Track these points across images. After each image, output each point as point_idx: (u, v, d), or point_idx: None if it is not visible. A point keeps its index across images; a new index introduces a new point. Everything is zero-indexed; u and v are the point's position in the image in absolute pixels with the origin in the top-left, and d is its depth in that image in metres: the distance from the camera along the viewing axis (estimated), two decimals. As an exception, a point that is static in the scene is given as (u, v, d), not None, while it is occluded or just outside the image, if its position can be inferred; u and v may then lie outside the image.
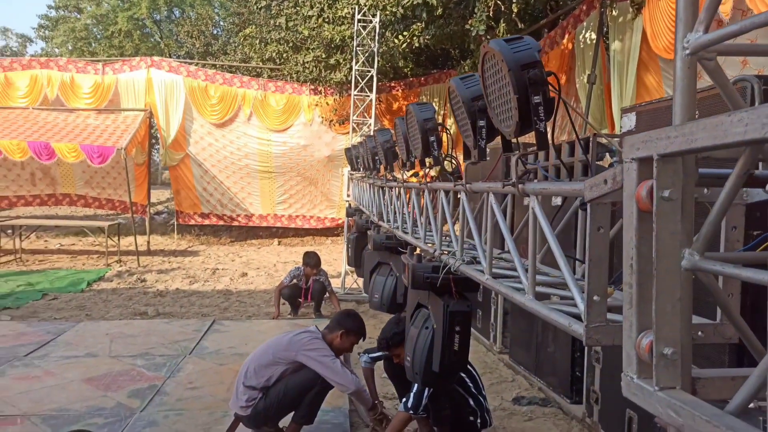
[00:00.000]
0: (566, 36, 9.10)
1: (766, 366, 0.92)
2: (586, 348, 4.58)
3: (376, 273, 4.86)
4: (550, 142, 1.82)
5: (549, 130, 1.86)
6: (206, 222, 16.00)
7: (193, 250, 14.90)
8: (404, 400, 3.81)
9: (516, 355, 6.06)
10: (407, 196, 4.31)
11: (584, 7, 8.76)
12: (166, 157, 15.29)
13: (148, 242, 14.29)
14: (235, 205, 16.01)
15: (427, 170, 3.52)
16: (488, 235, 2.24)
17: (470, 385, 4.00)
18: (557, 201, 4.60)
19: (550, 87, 1.74)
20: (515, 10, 8.66)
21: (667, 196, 1.09)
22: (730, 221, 1.46)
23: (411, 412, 3.77)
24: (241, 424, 4.00)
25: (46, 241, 15.10)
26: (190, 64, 16.12)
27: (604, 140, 4.85)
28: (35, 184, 15.34)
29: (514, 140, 2.02)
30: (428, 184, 3.30)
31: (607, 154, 4.80)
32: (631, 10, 7.52)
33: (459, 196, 3.07)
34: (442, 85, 14.70)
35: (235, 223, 16.16)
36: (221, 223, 16.07)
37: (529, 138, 1.89)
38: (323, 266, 8.58)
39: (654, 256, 1.11)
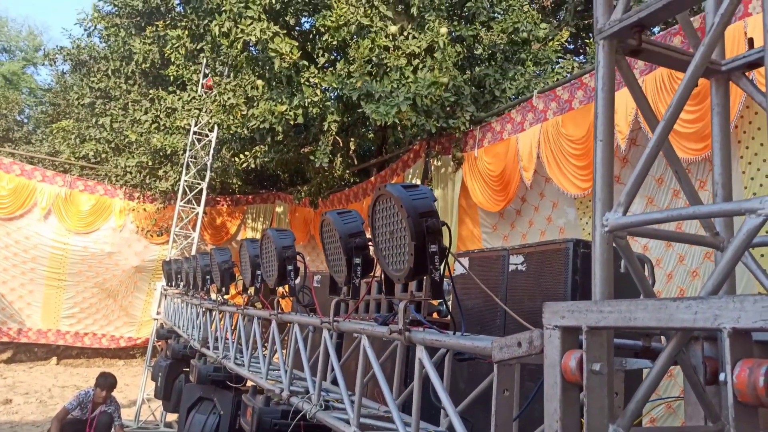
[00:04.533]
0: (395, 178, 9.84)
1: None
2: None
3: (195, 410, 4.30)
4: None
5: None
6: (-39, 336, 13.12)
7: (-61, 367, 12.05)
8: None
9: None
10: (232, 322, 3.99)
11: (411, 155, 9.65)
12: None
13: None
14: (8, 316, 13.48)
15: (274, 299, 3.32)
16: (358, 381, 2.10)
17: None
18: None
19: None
20: (352, 147, 9.17)
21: (597, 370, 1.10)
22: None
23: None
24: None
25: None
26: (-19, 147, 14.11)
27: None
28: None
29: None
30: (280, 315, 3.09)
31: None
32: (452, 163, 8.46)
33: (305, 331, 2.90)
34: (269, 205, 14.71)
35: (4, 339, 13.49)
36: (-17, 339, 13.31)
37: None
38: (115, 394, 7.39)
39: None
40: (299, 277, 3.03)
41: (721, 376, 0.85)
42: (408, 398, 2.11)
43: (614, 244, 1.22)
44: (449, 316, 3.76)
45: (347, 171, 10.87)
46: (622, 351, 1.34)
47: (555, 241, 3.80)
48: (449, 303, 4.31)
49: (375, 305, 4.45)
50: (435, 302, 4.55)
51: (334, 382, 2.81)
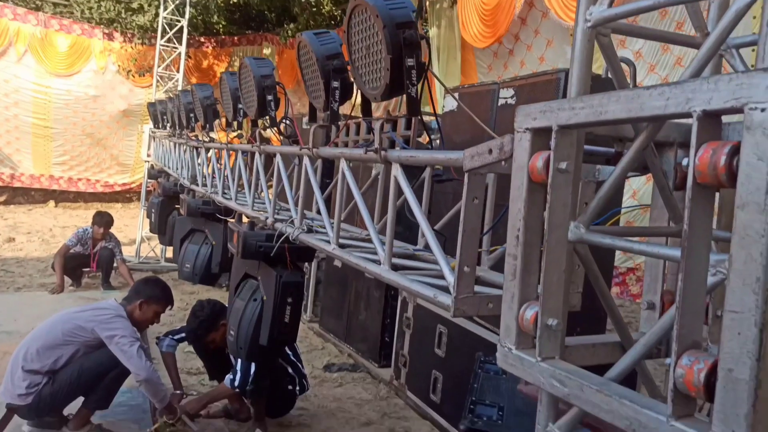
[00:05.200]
0: (386, 15, 9.31)
1: (648, 338, 0.97)
2: (397, 314, 4.77)
3: (188, 241, 4.47)
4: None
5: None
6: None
7: (-60, 209, 12.30)
8: (230, 377, 3.56)
9: (326, 324, 6.12)
10: (230, 158, 3.99)
11: (405, -10, 9.05)
12: None
13: None
14: (-2, 162, 13.48)
15: (256, 131, 3.26)
16: (337, 203, 2.13)
17: (289, 353, 3.92)
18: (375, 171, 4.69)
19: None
20: (340, -20, 8.55)
21: (563, 168, 1.09)
22: (582, 197, 1.55)
23: (238, 389, 3.55)
24: (15, 416, 3.36)
25: None
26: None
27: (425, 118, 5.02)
28: None
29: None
30: (262, 147, 3.06)
31: (425, 132, 4.98)
32: (447, -2, 7.96)
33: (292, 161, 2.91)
34: (257, 47, 14.08)
35: (-2, 183, 13.63)
36: (-23, 181, 13.43)
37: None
38: (114, 233, 7.64)
39: (546, 227, 1.11)
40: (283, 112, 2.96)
41: (684, 161, 0.83)
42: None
43: (596, 42, 1.15)
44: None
45: (337, 8, 10.22)
46: (594, 158, 1.33)
47: (546, 72, 3.68)
48: (436, 143, 4.30)
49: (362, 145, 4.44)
50: (424, 141, 4.54)
51: (320, 213, 2.84)
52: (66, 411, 3.52)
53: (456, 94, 4.24)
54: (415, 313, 4.53)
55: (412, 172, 2.13)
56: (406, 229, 2.56)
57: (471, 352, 3.55)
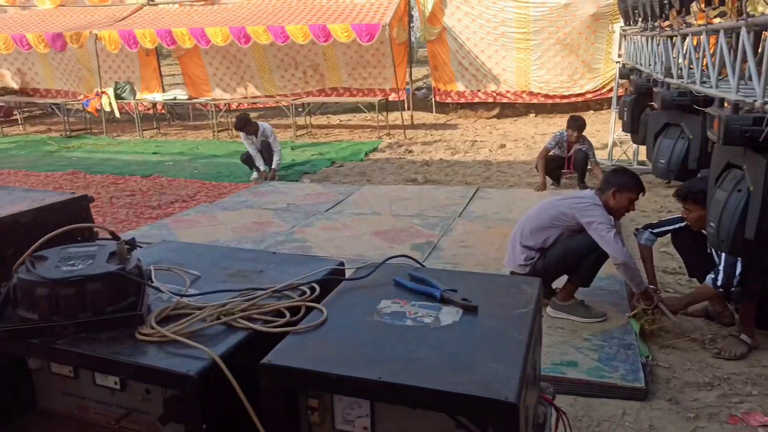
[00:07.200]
0: None
1: None
2: None
3: (663, 136, 4.37)
4: None
5: None
6: (461, 100, 16.13)
7: (452, 123, 15.37)
8: (712, 276, 3.38)
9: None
10: (709, 43, 3.65)
11: None
12: (425, 32, 15.53)
13: (412, 117, 15.17)
14: (490, 81, 15.72)
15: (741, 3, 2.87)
16: None
17: (785, 256, 3.47)
18: None
19: None
20: None
21: None
22: None
23: (721, 290, 3.36)
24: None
25: (328, 117, 17.10)
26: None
27: None
28: (307, 81, 16.80)
29: None
30: (748, 19, 2.71)
31: None
32: None
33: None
34: None
35: (489, 99, 15.99)
36: (476, 100, 16.05)
37: None
38: (587, 137, 8.02)
39: None
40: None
41: None
42: None
43: None
44: None
45: None
46: None
47: None
48: None
49: None
50: None
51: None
52: (554, 285, 4.11)
53: None
54: None
55: None
56: None
57: None
